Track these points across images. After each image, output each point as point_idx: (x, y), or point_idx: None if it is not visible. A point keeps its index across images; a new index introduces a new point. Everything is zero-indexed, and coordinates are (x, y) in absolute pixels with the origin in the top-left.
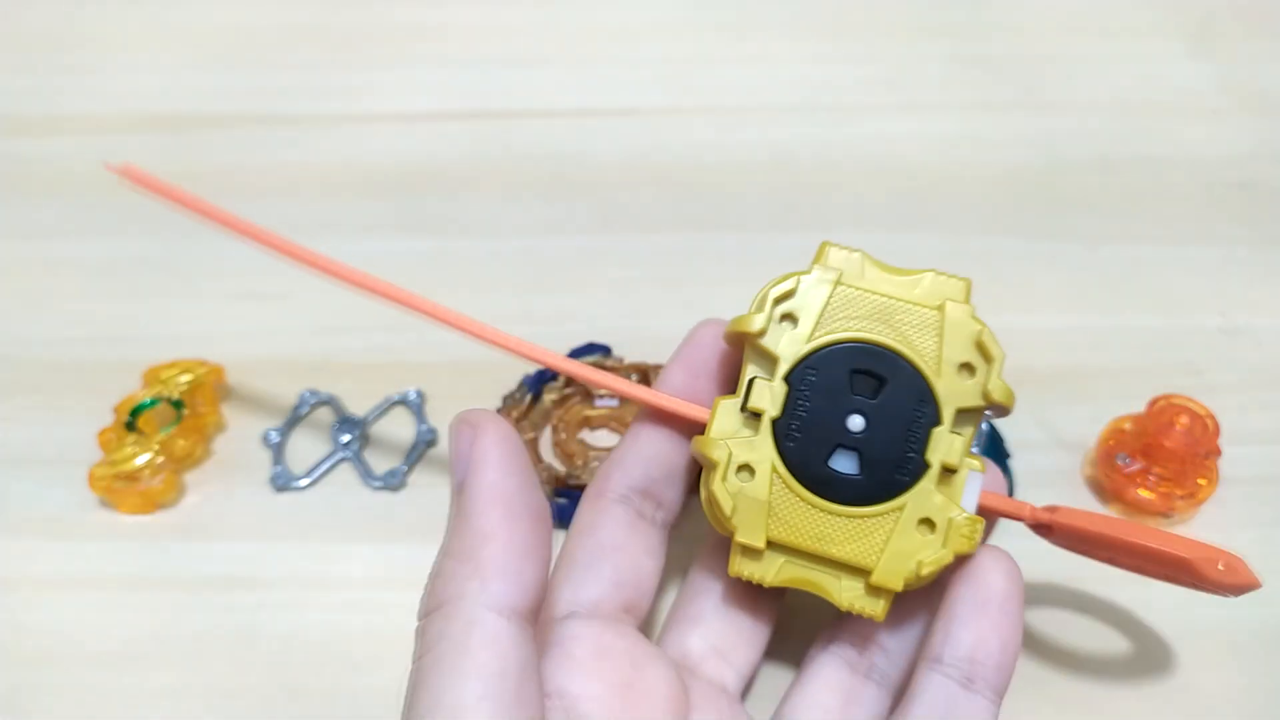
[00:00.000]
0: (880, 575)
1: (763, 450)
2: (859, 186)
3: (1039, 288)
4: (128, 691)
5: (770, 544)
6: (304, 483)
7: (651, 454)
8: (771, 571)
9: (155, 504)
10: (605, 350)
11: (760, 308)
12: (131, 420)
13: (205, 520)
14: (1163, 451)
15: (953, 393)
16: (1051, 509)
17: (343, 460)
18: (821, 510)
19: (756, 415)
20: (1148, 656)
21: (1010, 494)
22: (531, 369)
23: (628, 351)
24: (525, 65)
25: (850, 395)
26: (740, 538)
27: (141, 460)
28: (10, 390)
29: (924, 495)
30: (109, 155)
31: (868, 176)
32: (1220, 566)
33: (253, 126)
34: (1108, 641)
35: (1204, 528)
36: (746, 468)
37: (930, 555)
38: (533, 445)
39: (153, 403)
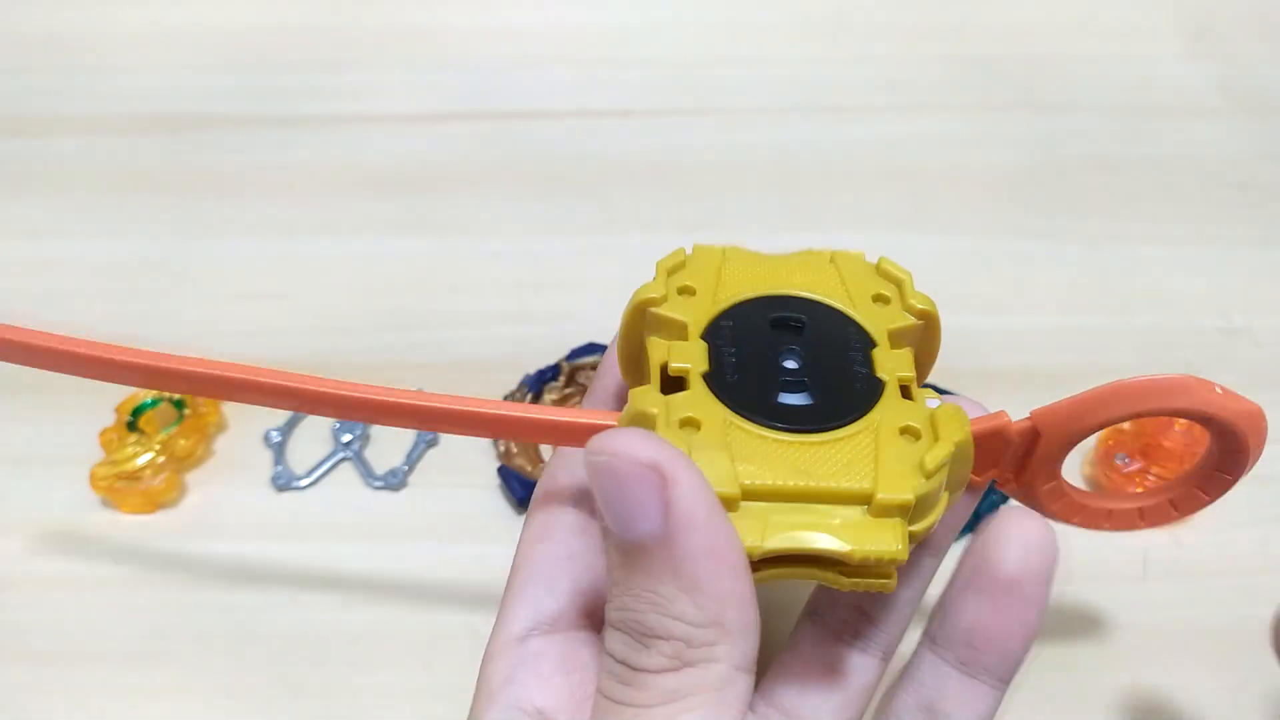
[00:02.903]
0: (886, 488)
1: (703, 402)
2: (859, 187)
3: (1039, 288)
4: (128, 691)
5: (747, 495)
6: (305, 483)
7: None
8: (759, 531)
9: (156, 504)
10: (605, 350)
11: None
12: (133, 420)
13: (206, 520)
14: (1161, 451)
15: (877, 321)
16: (1031, 417)
17: (343, 460)
18: (792, 444)
19: (679, 387)
20: (1146, 655)
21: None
22: (531, 369)
23: None
24: (525, 65)
25: (775, 340)
26: None
27: (143, 460)
28: (11, 390)
29: (893, 407)
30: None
31: (868, 177)
32: (1219, 390)
33: (253, 126)
34: (1106, 639)
35: (1204, 528)
36: (690, 422)
37: (931, 453)
38: (533, 445)
39: (154, 403)
